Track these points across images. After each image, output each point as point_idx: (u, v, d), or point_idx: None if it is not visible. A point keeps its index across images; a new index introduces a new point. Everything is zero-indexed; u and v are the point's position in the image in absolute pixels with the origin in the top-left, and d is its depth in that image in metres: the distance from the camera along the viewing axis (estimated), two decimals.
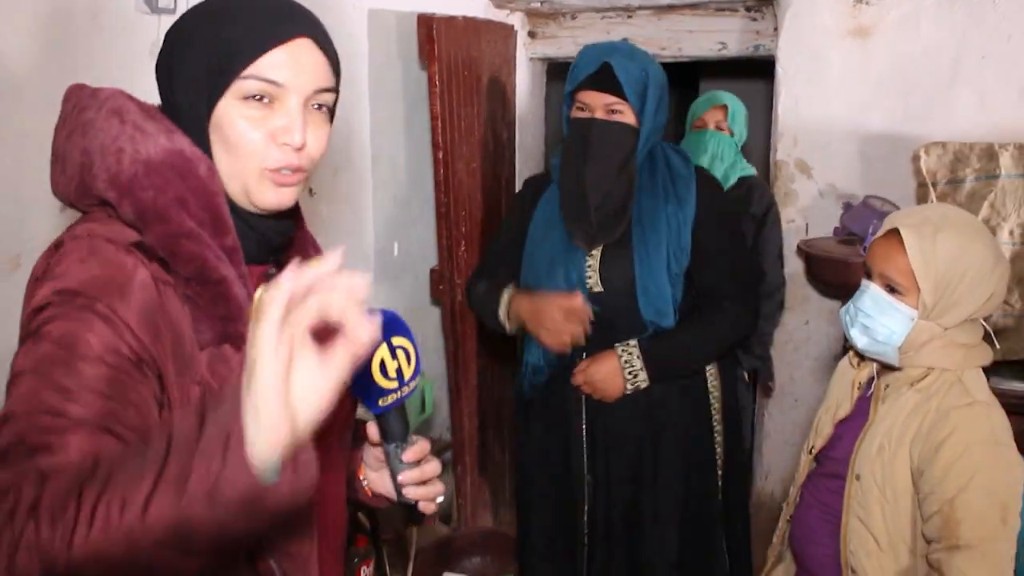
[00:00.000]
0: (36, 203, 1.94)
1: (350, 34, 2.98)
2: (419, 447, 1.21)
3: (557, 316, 2.14)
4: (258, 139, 1.11)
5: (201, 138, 1.13)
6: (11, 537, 0.85)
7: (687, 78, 5.71)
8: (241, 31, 1.10)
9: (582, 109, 2.18)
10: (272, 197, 1.15)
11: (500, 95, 3.54)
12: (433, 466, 1.24)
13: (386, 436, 1.21)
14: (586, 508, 2.27)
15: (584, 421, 2.27)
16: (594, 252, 2.21)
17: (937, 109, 3.10)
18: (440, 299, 3.25)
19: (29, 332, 1.01)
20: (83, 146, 1.11)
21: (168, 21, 2.21)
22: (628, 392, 2.19)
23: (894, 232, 1.66)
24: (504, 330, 2.35)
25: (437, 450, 2.68)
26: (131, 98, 1.15)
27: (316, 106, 1.17)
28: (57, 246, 1.08)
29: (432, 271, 3.25)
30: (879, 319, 1.68)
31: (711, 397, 2.29)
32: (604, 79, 2.13)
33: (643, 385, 2.19)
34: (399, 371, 1.16)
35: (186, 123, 1.14)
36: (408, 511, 1.26)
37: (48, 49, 2.01)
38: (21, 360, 0.99)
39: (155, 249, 1.07)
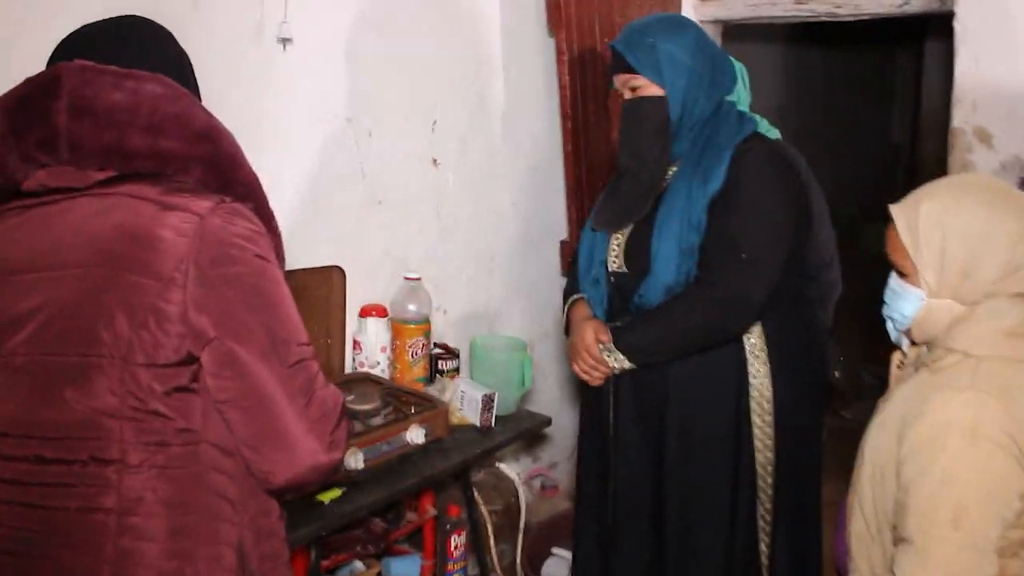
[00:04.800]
0: None
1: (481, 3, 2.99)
2: None
3: (585, 355, 2.13)
4: None
5: None
6: None
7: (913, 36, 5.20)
8: None
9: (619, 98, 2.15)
10: None
11: None
12: None
13: None
14: (613, 488, 2.19)
15: (612, 398, 2.18)
16: (624, 231, 2.14)
17: None
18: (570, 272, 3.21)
19: None
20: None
21: (289, 49, 2.36)
22: (615, 371, 2.11)
23: None
24: None
25: (537, 424, 2.66)
26: None
27: None
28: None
29: (562, 244, 3.21)
30: (894, 305, 1.57)
31: (751, 385, 2.06)
32: (617, 60, 2.11)
33: (625, 365, 2.08)
34: None
35: None
36: None
37: None
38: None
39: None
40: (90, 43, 1.33)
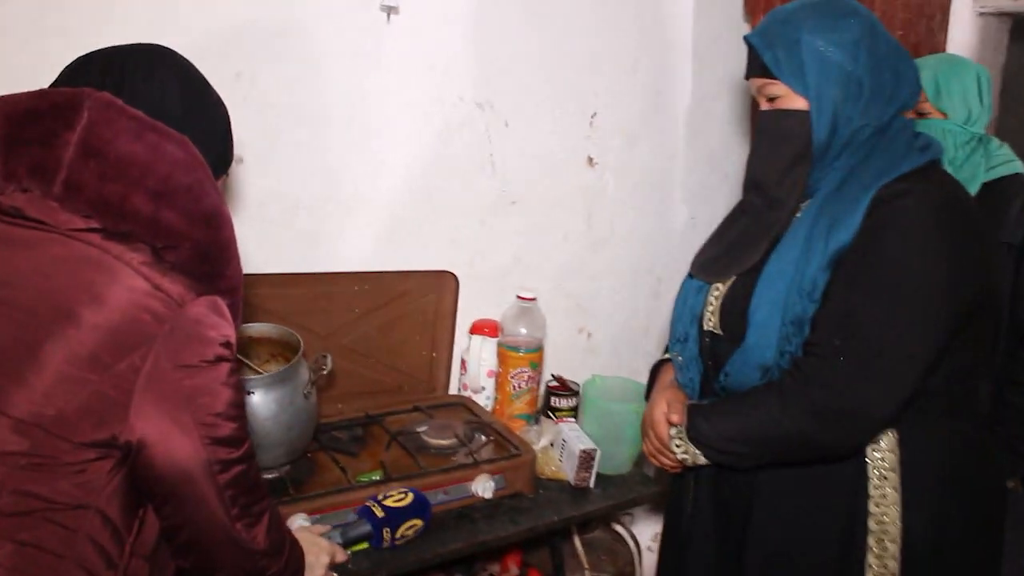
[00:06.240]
0: None
1: None
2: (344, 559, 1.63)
3: (652, 434, 1.69)
4: None
5: None
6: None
7: None
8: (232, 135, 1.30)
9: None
10: None
11: None
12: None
13: (347, 530, 1.69)
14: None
15: (691, 494, 1.70)
16: (727, 283, 1.61)
17: None
18: None
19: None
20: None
21: (394, 19, 2.05)
22: (682, 462, 1.61)
23: None
24: None
25: (647, 493, 2.16)
26: None
27: None
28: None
29: None
30: None
31: (869, 515, 1.45)
32: (752, 60, 1.55)
33: (700, 460, 1.57)
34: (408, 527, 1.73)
35: None
36: None
37: (274, 47, 1.97)
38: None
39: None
40: (111, 69, 1.17)
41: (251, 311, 2.03)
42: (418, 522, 1.75)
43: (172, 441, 1.09)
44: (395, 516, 1.72)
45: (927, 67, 2.05)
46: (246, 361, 1.92)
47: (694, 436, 1.55)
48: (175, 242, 1.10)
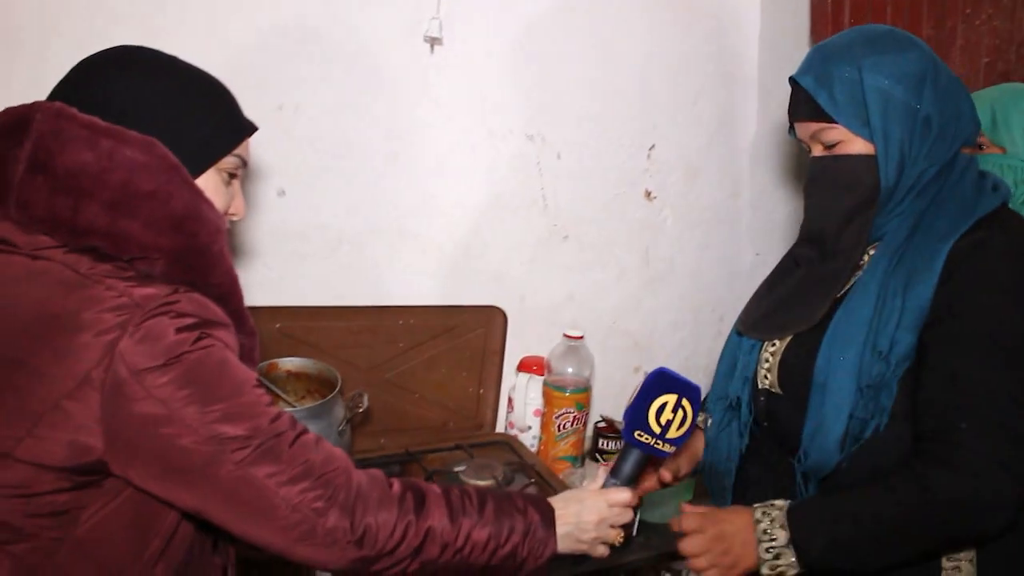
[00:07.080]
0: None
1: (738, 6, 2.41)
2: (628, 496, 1.35)
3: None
4: (222, 208, 1.17)
5: None
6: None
7: None
8: (234, 111, 1.19)
9: (809, 150, 1.45)
10: None
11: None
12: (626, 514, 1.36)
13: (615, 470, 1.37)
14: None
15: None
16: (783, 340, 1.46)
17: None
18: None
19: None
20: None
21: (438, 51, 2.03)
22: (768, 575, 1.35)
23: None
24: None
25: (674, 551, 2.02)
26: None
27: None
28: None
29: None
30: None
31: None
32: (801, 101, 1.40)
33: (791, 572, 1.32)
34: (667, 424, 1.33)
35: None
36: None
37: (315, 79, 1.97)
38: None
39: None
40: (70, 77, 1.12)
41: (292, 344, 2.02)
42: (683, 404, 1.35)
43: (174, 439, 1.01)
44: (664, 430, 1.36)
45: (985, 98, 1.88)
46: (282, 395, 1.90)
47: (802, 538, 1.31)
48: (142, 253, 1.04)
